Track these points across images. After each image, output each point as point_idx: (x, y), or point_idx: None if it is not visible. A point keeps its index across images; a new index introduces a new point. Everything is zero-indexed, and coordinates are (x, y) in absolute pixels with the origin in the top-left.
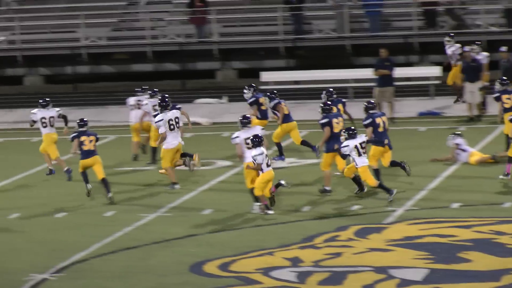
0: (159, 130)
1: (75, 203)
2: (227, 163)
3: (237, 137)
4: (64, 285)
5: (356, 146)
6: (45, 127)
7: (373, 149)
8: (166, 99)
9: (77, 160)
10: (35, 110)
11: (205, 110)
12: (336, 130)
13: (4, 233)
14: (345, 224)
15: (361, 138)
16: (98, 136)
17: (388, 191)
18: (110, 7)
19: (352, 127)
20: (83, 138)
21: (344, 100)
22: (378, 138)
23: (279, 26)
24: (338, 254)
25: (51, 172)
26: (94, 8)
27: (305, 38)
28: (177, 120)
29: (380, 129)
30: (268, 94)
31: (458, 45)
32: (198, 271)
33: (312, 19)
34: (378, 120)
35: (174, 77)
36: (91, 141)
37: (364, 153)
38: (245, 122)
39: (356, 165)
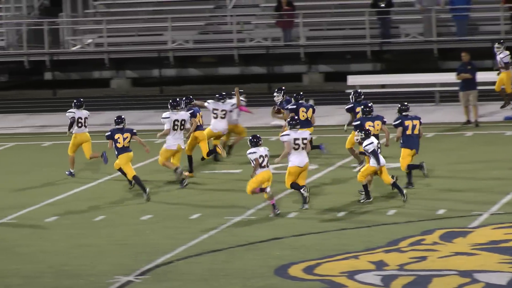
0: (165, 126)
1: (160, 206)
2: (313, 166)
3: (287, 135)
4: (148, 287)
5: (377, 144)
6: (80, 127)
7: (403, 151)
8: (178, 100)
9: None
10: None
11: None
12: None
13: (90, 235)
14: (430, 228)
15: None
16: (135, 131)
17: (401, 192)
18: (197, 10)
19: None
20: (117, 135)
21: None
22: (406, 141)
23: (366, 30)
24: (423, 258)
25: (71, 174)
26: (181, 11)
27: (392, 42)
28: (183, 122)
29: (408, 132)
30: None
31: (507, 52)
32: (283, 274)
33: (399, 23)
34: (407, 122)
35: (260, 81)
36: (125, 138)
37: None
38: (294, 123)
39: (379, 163)
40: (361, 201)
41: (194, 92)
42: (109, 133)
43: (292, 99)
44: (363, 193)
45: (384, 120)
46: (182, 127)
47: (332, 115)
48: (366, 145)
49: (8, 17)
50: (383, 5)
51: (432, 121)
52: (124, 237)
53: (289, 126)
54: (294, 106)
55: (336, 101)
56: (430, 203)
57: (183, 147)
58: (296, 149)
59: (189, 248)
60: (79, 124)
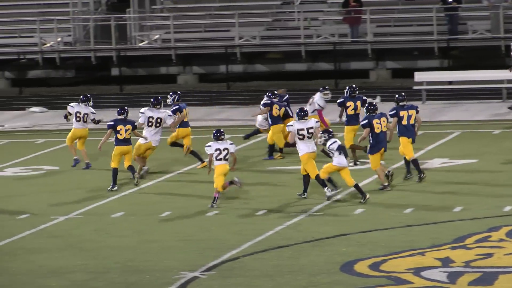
0: (139, 120)
1: (226, 202)
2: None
3: (291, 125)
4: (214, 284)
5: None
6: (78, 121)
7: (401, 139)
8: (159, 98)
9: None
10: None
11: None
12: (377, 131)
13: (156, 231)
14: (496, 225)
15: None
16: (136, 124)
17: (363, 195)
18: (264, 6)
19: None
20: (119, 127)
21: (364, 97)
22: (402, 130)
23: (434, 26)
24: (489, 255)
25: (76, 162)
26: (248, 7)
27: (460, 38)
28: (159, 120)
29: (404, 122)
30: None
31: None
32: (348, 271)
33: (467, 19)
34: (402, 113)
35: (327, 77)
36: (127, 130)
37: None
38: (302, 114)
39: (342, 164)
40: (331, 194)
41: (261, 88)
42: (112, 123)
43: (265, 96)
44: (329, 189)
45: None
46: (158, 125)
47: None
48: (330, 145)
49: (75, 12)
50: (451, 1)
51: (499, 117)
52: (190, 233)
53: (297, 117)
54: (269, 101)
55: None
56: (496, 200)
57: (154, 144)
58: (301, 139)
59: (255, 244)
60: (77, 119)
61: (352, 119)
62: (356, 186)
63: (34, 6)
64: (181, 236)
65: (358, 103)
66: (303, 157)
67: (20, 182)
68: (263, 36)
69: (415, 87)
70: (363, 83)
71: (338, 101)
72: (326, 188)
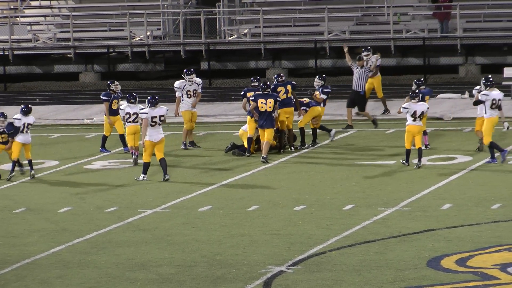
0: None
1: (314, 196)
2: (469, 158)
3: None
4: (300, 278)
5: None
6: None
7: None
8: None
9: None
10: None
11: (446, 105)
12: (261, 109)
13: (243, 225)
14: None
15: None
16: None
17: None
18: (354, 1)
19: None
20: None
21: (294, 82)
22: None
23: None
24: None
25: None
26: (338, 2)
27: None
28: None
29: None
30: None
31: None
32: (435, 266)
33: None
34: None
35: (417, 72)
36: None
37: None
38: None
39: None
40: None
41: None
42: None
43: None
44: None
45: (278, 99)
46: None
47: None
48: None
49: (165, 6)
50: None
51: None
52: (277, 227)
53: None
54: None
55: None
56: None
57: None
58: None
59: (342, 239)
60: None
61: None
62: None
63: (124, 0)
64: (268, 230)
65: (289, 87)
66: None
67: (107, 174)
68: (352, 31)
69: (504, 83)
70: (452, 78)
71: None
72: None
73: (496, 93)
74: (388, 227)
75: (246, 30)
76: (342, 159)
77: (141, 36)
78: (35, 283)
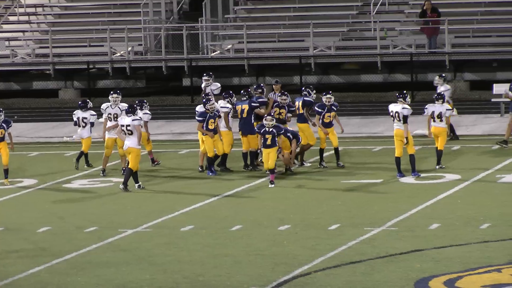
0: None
1: (299, 216)
2: (457, 176)
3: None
4: None
5: None
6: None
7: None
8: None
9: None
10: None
11: None
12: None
13: (227, 245)
14: None
15: None
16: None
17: None
18: (340, 16)
19: None
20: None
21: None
22: None
23: None
24: None
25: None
26: (324, 17)
27: None
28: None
29: None
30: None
31: None
32: (423, 287)
33: None
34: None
35: (404, 88)
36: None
37: None
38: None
39: None
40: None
41: (336, 100)
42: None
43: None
44: None
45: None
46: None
47: (478, 125)
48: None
49: (146, 21)
50: None
51: None
52: (261, 247)
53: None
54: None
55: (481, 110)
56: None
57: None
58: None
59: (327, 259)
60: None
61: None
62: None
63: (104, 15)
64: (252, 251)
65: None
66: None
67: (87, 194)
68: (338, 47)
69: (493, 100)
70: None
71: None
72: None
73: None
74: (375, 247)
75: (229, 46)
76: (328, 177)
77: (122, 52)
78: None
